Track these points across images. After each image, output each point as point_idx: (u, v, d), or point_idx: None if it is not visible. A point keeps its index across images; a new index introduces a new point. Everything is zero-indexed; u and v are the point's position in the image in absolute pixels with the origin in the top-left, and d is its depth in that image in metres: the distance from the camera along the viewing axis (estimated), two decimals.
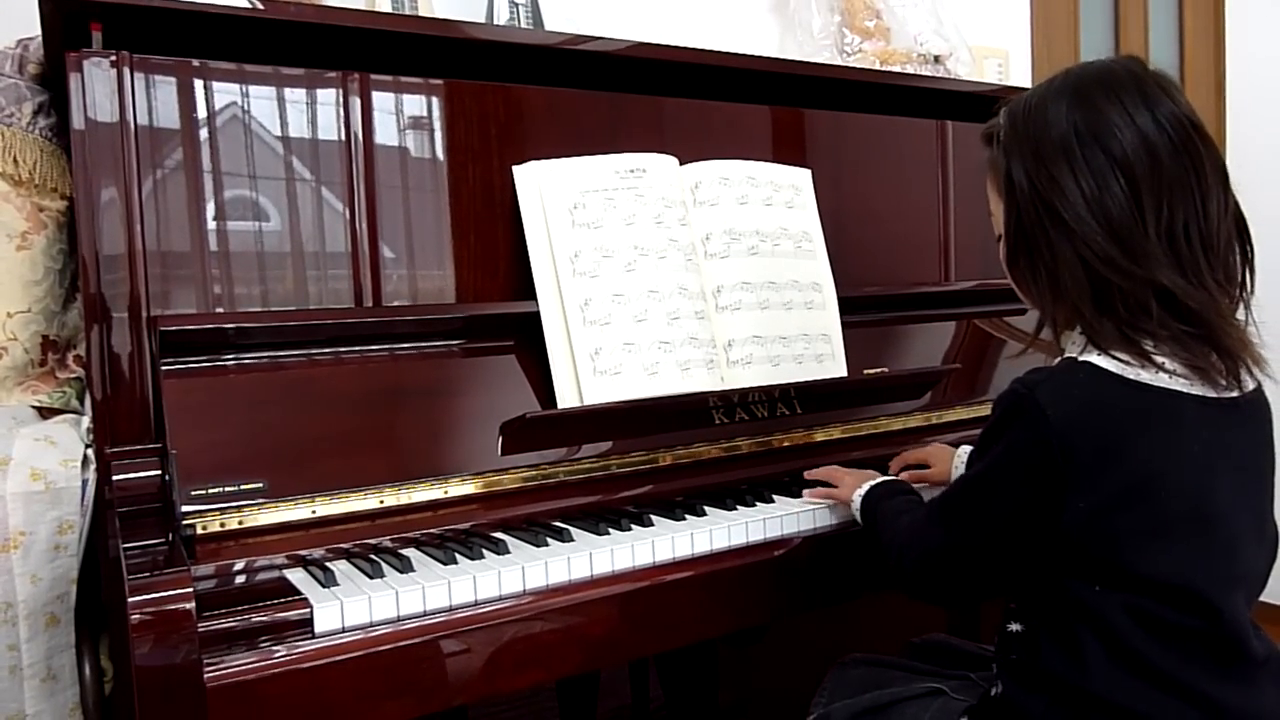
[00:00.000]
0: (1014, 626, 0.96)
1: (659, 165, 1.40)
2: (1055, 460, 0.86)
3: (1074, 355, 0.91)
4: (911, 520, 1.04)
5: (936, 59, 2.16)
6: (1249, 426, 0.93)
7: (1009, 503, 0.91)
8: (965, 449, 1.28)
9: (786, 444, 1.41)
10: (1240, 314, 0.94)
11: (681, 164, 1.43)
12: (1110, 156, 0.89)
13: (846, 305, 1.51)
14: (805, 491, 1.26)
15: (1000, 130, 0.97)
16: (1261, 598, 0.95)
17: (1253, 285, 0.95)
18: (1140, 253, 0.87)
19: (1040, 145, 0.92)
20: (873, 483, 1.17)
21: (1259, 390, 0.94)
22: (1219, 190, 0.91)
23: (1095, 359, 0.89)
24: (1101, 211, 0.88)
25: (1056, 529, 0.87)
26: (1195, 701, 0.87)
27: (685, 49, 1.50)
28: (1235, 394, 0.90)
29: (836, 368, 1.47)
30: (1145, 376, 0.88)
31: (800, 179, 1.53)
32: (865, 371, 1.50)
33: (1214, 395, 0.89)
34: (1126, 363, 0.88)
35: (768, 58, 1.62)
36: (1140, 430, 0.87)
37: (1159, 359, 0.88)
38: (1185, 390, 0.88)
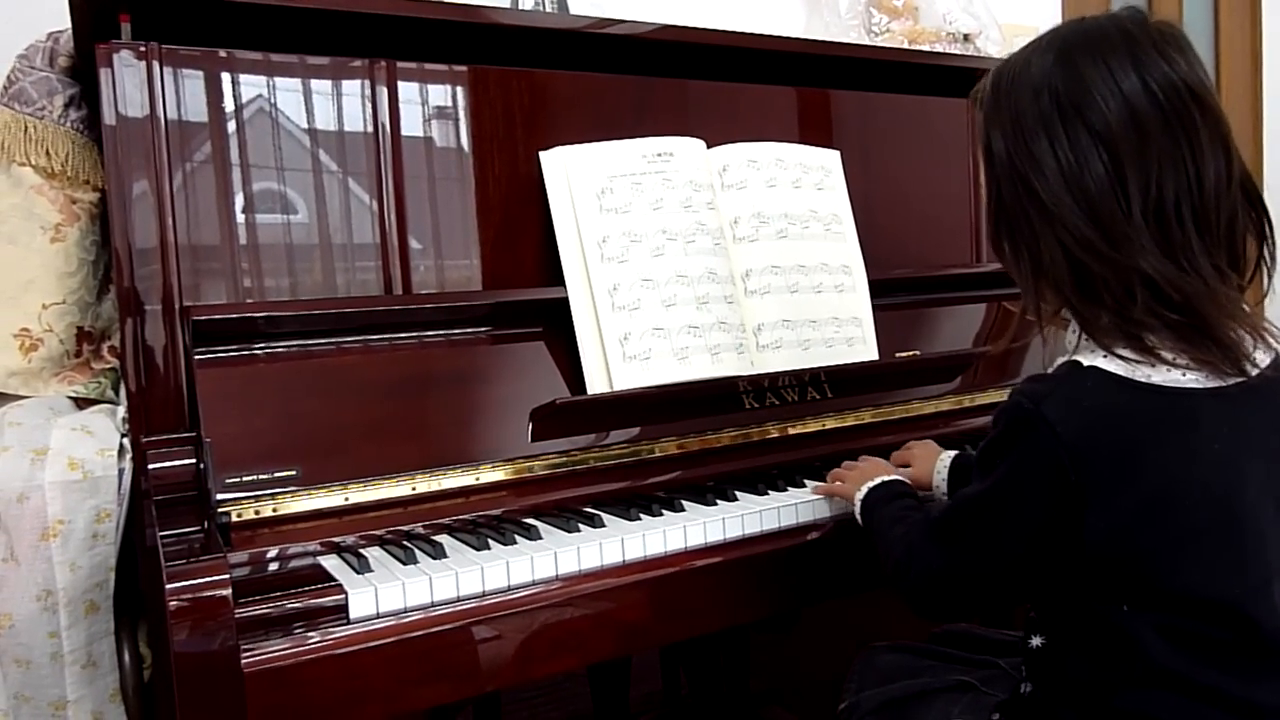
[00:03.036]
0: (1036, 641, 0.92)
1: (686, 149, 1.39)
2: (1069, 479, 0.80)
3: (1078, 359, 0.85)
4: (907, 533, 0.98)
5: (966, 37, 2.13)
6: (1269, 408, 0.86)
7: (1021, 525, 0.85)
8: (950, 454, 1.22)
9: (817, 428, 1.40)
10: (1262, 292, 0.88)
11: (709, 147, 1.42)
12: (1091, 130, 0.82)
13: (877, 288, 1.50)
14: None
15: (984, 95, 0.91)
16: None
17: (1274, 259, 0.88)
18: (1121, 237, 0.81)
19: (1020, 116, 0.86)
20: (870, 485, 1.11)
21: (1276, 366, 0.87)
22: (1218, 159, 0.83)
23: (1101, 362, 0.83)
24: (1080, 191, 0.82)
25: (1078, 550, 0.82)
26: (1231, 707, 0.82)
27: (711, 31, 1.48)
28: (1246, 378, 0.84)
29: (867, 351, 1.46)
30: (1156, 377, 0.82)
31: (829, 160, 1.52)
32: (896, 354, 1.49)
33: (1227, 384, 0.83)
34: (1135, 362, 0.82)
35: (794, 38, 1.60)
36: (1157, 437, 0.81)
37: (1164, 353, 0.82)
38: (1198, 386, 0.82)
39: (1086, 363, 0.84)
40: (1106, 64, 0.83)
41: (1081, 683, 0.87)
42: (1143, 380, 0.82)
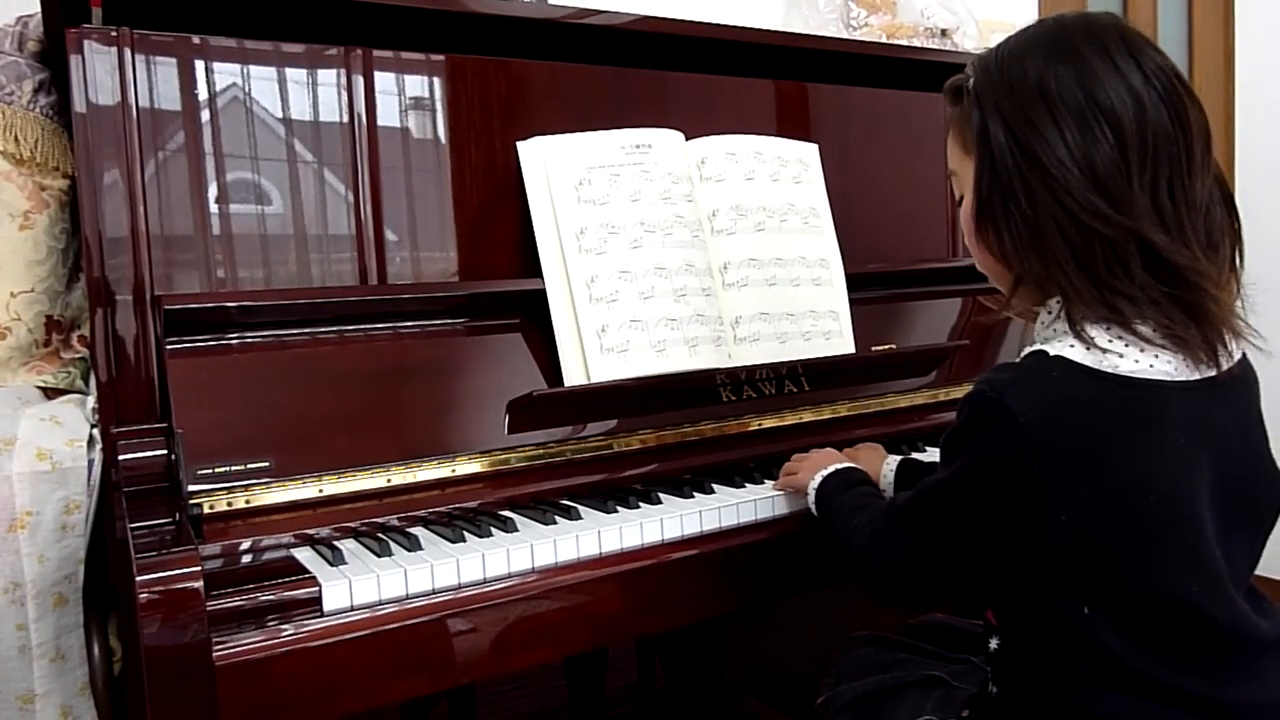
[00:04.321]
0: (994, 643, 0.93)
1: (665, 141, 1.39)
2: (1030, 470, 0.80)
3: (1044, 348, 0.84)
4: (871, 521, 0.97)
5: (944, 33, 2.14)
6: (1232, 405, 0.87)
7: (981, 515, 0.85)
8: (895, 458, 1.22)
9: (794, 421, 1.40)
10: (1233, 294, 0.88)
11: (687, 139, 1.42)
12: (1096, 105, 0.83)
13: (854, 282, 1.50)
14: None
15: (971, 82, 0.91)
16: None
17: (1242, 258, 0.89)
18: (1125, 202, 0.81)
19: (1019, 93, 0.85)
20: (824, 473, 1.11)
21: (1242, 365, 0.89)
22: (1201, 149, 0.85)
23: (1068, 352, 0.82)
24: (1086, 161, 0.82)
25: (1039, 545, 0.82)
26: (1194, 706, 0.82)
27: (690, 23, 1.48)
28: (1215, 373, 0.85)
29: (844, 345, 1.46)
30: (1124, 367, 0.81)
31: (807, 154, 1.52)
32: (873, 348, 1.50)
33: (1196, 378, 0.83)
34: (1104, 350, 0.82)
35: (773, 31, 1.61)
36: (1121, 430, 0.81)
37: (1142, 329, 0.82)
38: (1167, 379, 0.82)
39: (1053, 352, 0.83)
40: (1105, 48, 0.85)
41: (1044, 685, 0.87)
42: (1109, 371, 0.81)
